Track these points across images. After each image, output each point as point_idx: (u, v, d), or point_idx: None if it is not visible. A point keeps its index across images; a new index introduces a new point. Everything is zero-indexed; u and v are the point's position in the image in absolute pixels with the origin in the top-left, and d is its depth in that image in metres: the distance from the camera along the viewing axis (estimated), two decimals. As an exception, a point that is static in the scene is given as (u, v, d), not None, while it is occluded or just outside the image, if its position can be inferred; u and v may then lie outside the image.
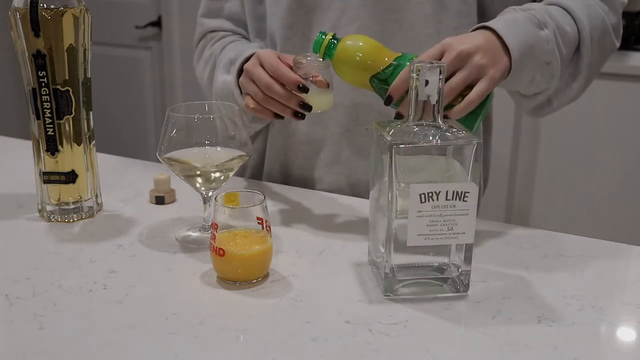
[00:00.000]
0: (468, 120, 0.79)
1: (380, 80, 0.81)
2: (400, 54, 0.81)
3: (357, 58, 0.81)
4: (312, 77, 0.83)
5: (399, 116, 0.79)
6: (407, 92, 0.78)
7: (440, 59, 0.78)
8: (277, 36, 1.02)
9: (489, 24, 0.82)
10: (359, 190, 1.03)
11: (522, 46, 0.81)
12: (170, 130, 0.78)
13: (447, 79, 0.76)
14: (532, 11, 0.86)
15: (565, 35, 0.87)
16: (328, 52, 0.82)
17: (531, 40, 0.82)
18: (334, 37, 0.82)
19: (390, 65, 0.80)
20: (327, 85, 0.84)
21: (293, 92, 0.83)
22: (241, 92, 0.92)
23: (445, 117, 0.75)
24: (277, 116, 0.87)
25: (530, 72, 0.85)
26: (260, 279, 0.73)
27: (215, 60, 1.05)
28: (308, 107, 0.84)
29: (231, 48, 1.03)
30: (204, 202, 0.83)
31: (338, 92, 1.00)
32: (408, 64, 0.79)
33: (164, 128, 0.79)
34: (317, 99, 0.84)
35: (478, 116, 0.79)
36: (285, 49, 1.02)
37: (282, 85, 0.83)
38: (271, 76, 0.84)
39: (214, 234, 0.71)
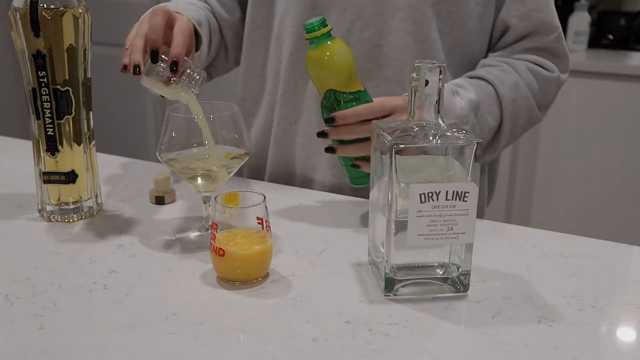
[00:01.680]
0: (363, 179, 0.88)
1: (335, 99, 0.84)
2: (363, 89, 0.86)
3: (335, 66, 0.83)
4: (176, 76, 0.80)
5: (322, 134, 0.85)
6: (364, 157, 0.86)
7: (386, 115, 0.84)
8: (288, 33, 1.02)
9: None
10: (360, 194, 1.03)
11: None
12: (170, 130, 0.78)
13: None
14: (468, 103, 0.94)
15: (485, 128, 0.97)
16: (316, 40, 0.83)
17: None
18: (328, 32, 0.83)
19: (353, 92, 0.84)
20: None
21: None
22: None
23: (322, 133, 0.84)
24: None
25: None
26: (260, 279, 0.73)
27: None
28: (136, 70, 0.81)
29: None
30: (204, 202, 0.83)
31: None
32: (365, 103, 0.84)
33: (164, 128, 0.79)
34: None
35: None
36: (296, 46, 1.02)
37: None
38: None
39: (214, 234, 0.71)
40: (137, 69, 0.81)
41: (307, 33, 0.83)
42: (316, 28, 0.82)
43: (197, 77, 0.81)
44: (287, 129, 1.05)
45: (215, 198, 0.72)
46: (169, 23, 0.86)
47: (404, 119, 0.81)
